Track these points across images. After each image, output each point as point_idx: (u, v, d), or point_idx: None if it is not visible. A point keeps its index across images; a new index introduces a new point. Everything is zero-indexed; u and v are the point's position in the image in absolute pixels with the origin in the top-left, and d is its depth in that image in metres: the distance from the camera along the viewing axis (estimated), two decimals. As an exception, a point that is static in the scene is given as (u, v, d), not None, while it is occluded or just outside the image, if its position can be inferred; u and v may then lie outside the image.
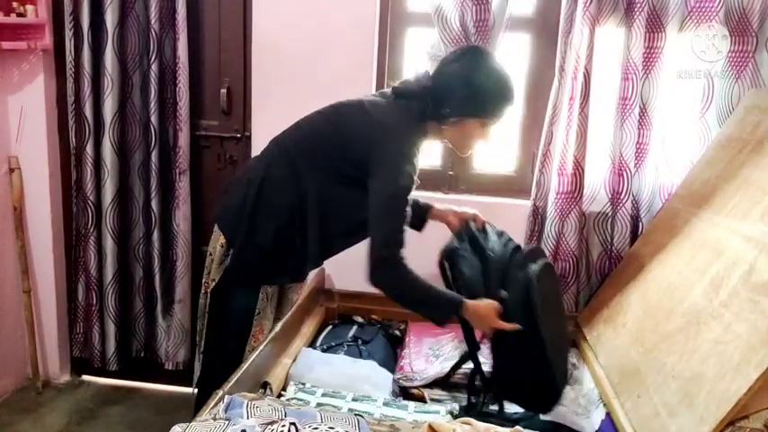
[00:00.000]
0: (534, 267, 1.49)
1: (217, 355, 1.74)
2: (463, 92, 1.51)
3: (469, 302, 1.50)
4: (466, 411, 1.58)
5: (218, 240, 1.68)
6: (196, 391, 1.83)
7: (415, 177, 1.54)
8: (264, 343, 1.62)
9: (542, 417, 1.59)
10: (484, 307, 1.49)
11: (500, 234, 1.69)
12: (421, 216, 1.80)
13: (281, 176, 1.58)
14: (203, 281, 1.74)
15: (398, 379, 1.75)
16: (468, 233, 1.68)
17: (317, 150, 1.58)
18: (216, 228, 1.70)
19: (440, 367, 1.77)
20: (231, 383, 1.36)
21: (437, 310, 1.53)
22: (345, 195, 1.57)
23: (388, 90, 1.65)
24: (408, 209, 1.53)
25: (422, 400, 1.68)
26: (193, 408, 1.82)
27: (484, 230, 1.69)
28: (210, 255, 1.71)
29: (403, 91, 1.59)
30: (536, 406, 1.57)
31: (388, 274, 1.49)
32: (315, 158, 1.58)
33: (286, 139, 1.65)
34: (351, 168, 1.54)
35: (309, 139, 1.62)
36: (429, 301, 1.51)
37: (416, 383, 1.73)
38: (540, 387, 1.51)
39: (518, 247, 1.63)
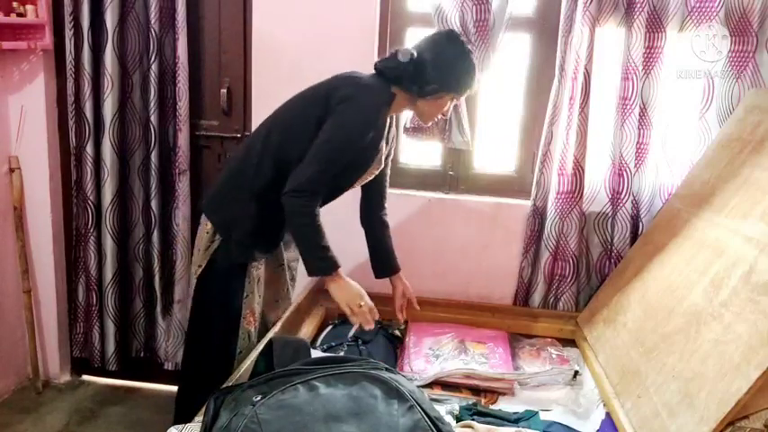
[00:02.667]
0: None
1: (203, 343, 1.78)
2: (447, 72, 1.64)
3: (342, 274, 1.63)
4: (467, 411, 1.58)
5: (204, 228, 1.73)
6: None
7: (383, 146, 1.70)
8: (263, 343, 1.62)
9: (542, 417, 1.59)
10: (353, 284, 1.64)
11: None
12: (387, 268, 1.94)
13: (256, 151, 1.65)
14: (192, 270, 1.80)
15: None
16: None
17: (293, 119, 1.66)
18: (203, 215, 1.75)
19: (439, 367, 1.77)
20: (230, 384, 1.36)
21: (319, 260, 1.60)
22: None
23: None
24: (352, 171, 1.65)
25: None
26: (175, 402, 1.88)
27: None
28: (197, 242, 1.76)
29: (384, 70, 1.66)
30: None
31: (300, 204, 1.55)
32: (290, 127, 1.65)
33: (266, 119, 1.73)
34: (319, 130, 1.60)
35: (286, 110, 1.70)
36: (318, 248, 1.59)
37: (417, 384, 1.73)
38: None
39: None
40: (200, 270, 1.74)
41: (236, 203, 1.67)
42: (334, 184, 1.65)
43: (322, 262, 1.60)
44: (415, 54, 1.61)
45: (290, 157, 1.60)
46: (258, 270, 1.75)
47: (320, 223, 1.58)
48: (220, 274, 1.72)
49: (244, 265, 1.72)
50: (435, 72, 1.61)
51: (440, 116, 1.76)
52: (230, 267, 1.70)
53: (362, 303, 1.63)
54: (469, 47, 1.68)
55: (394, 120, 1.80)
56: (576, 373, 1.76)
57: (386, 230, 1.94)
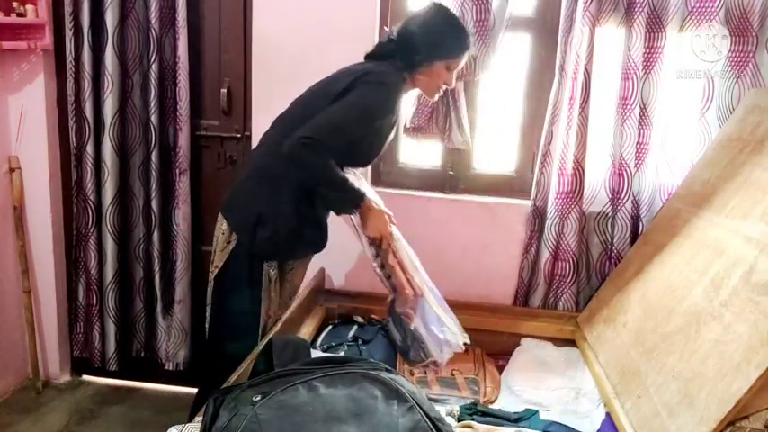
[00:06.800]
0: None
1: (224, 344, 1.76)
2: (430, 38, 1.66)
3: (369, 199, 1.67)
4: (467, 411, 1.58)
5: (220, 227, 1.73)
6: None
7: (395, 126, 1.74)
8: (263, 342, 1.62)
9: (542, 416, 1.59)
10: (379, 208, 1.69)
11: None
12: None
13: (277, 144, 1.61)
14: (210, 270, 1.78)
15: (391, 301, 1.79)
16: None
17: (311, 109, 1.63)
18: (219, 215, 1.74)
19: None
20: (230, 384, 1.36)
21: (347, 194, 1.63)
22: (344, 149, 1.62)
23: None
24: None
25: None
26: (193, 403, 1.85)
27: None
28: (214, 243, 1.75)
29: (376, 52, 1.73)
30: None
31: (313, 154, 1.54)
32: (311, 104, 1.65)
33: (282, 114, 1.75)
34: None
35: (302, 104, 1.71)
36: (343, 186, 1.62)
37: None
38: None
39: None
40: (217, 271, 1.73)
41: (269, 198, 1.65)
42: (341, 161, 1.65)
43: (354, 194, 1.64)
44: (396, 31, 1.67)
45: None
46: (274, 270, 1.74)
47: (333, 163, 1.57)
48: (238, 275, 1.70)
49: (261, 264, 1.70)
50: (421, 42, 1.65)
51: (444, 87, 1.76)
52: (249, 267, 1.69)
53: (390, 229, 1.71)
54: (455, 15, 1.73)
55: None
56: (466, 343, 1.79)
57: None
